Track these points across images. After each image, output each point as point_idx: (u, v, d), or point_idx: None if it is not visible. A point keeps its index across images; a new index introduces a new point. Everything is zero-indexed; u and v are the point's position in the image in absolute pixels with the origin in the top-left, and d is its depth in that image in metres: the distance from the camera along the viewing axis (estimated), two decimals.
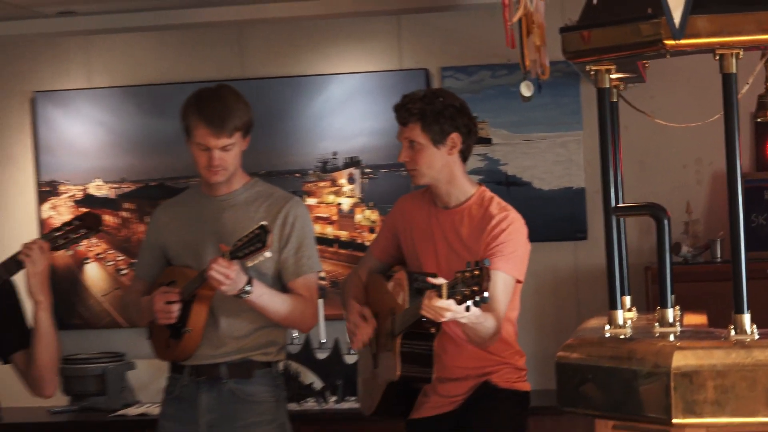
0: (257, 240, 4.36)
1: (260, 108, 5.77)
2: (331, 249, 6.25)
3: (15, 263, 4.58)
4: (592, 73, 4.33)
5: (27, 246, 4.56)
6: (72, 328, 6.53)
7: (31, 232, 6.55)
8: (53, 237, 4.71)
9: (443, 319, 4.01)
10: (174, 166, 6.36)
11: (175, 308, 4.51)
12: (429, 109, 4.58)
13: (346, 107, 6.42)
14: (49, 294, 4.63)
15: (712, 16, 3.95)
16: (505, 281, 4.48)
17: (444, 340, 4.43)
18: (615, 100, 4.48)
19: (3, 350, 4.78)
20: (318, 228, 6.17)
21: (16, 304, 4.76)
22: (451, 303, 3.92)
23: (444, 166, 4.65)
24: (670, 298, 4.13)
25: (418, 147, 4.58)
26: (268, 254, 4.38)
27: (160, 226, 4.85)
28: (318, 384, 6.11)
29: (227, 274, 4.30)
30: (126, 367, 6.39)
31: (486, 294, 3.89)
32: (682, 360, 3.79)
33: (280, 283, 4.68)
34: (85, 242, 6.00)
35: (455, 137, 4.60)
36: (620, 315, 4.21)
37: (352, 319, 4.66)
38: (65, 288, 6.57)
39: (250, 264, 4.42)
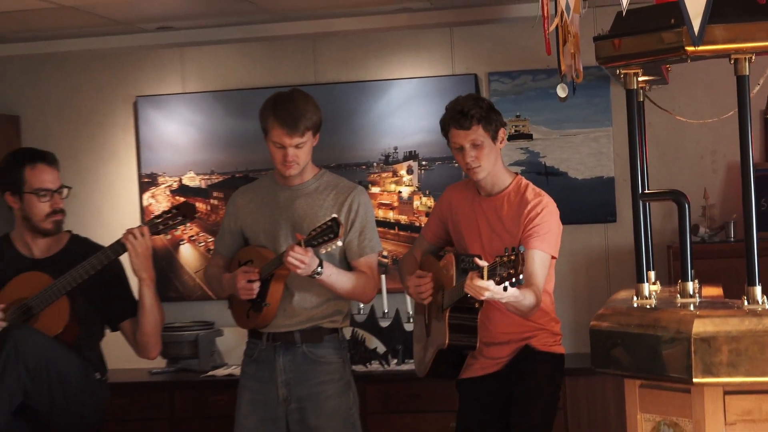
0: (330, 231, 4.40)
1: (331, 109, 5.80)
2: (392, 231, 6.25)
3: (120, 246, 4.66)
4: (622, 76, 4.31)
5: (130, 231, 4.63)
6: (169, 300, 6.55)
7: (134, 218, 6.64)
8: (154, 223, 4.79)
9: (483, 298, 4.03)
10: (256, 160, 6.39)
11: (256, 286, 4.56)
12: (484, 112, 4.59)
13: (405, 108, 6.42)
14: (151, 271, 4.71)
15: (727, 25, 3.93)
16: (542, 258, 4.50)
17: (489, 309, 4.44)
18: (641, 99, 4.46)
19: (112, 320, 4.88)
20: (381, 213, 6.19)
21: (122, 280, 4.84)
22: (490, 284, 3.94)
23: (497, 159, 4.67)
24: (690, 272, 4.11)
25: (482, 146, 4.59)
26: (339, 243, 4.44)
27: (237, 208, 4.88)
28: (381, 348, 6.12)
29: (302, 260, 4.35)
30: (215, 334, 6.43)
31: (521, 276, 3.93)
32: (701, 327, 3.77)
33: (345, 261, 4.71)
34: (181, 228, 6.06)
35: (503, 132, 4.63)
36: (646, 288, 4.20)
37: (411, 283, 4.68)
38: (163, 266, 6.61)
39: (323, 252, 4.46)
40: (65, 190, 4.87)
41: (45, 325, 4.66)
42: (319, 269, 4.43)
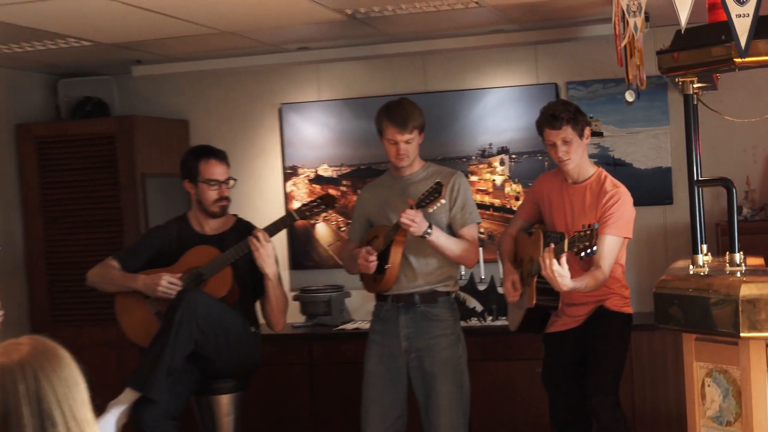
0: (435, 192, 4.47)
1: (437, 113, 5.83)
2: (487, 212, 6.25)
3: (246, 246, 4.74)
4: (680, 83, 4.28)
5: (254, 234, 4.71)
6: (307, 268, 6.67)
7: (279, 203, 6.75)
8: (301, 210, 4.90)
9: (556, 284, 4.16)
10: (376, 154, 6.40)
11: (372, 259, 4.66)
12: (572, 114, 4.60)
13: (498, 111, 6.40)
14: (273, 268, 4.76)
15: None
16: (610, 242, 4.53)
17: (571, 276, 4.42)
18: (695, 103, 4.41)
19: (258, 290, 4.92)
20: (478, 197, 6.18)
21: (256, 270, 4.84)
22: (557, 266, 4.07)
23: (583, 153, 4.67)
24: (737, 245, 4.07)
25: (571, 142, 4.59)
26: (443, 201, 4.52)
27: (363, 201, 4.97)
28: (479, 307, 6.13)
29: (414, 219, 4.42)
30: (344, 295, 6.47)
31: (595, 248, 4.03)
32: (747, 290, 3.74)
33: (452, 233, 4.75)
34: (324, 215, 6.09)
35: (588, 130, 4.65)
36: (700, 258, 4.17)
37: (506, 284, 4.73)
38: (302, 240, 6.69)
39: (430, 210, 4.53)
40: (231, 182, 4.96)
41: (212, 288, 4.75)
42: (429, 230, 4.51)
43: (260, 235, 4.69)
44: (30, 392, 1.94)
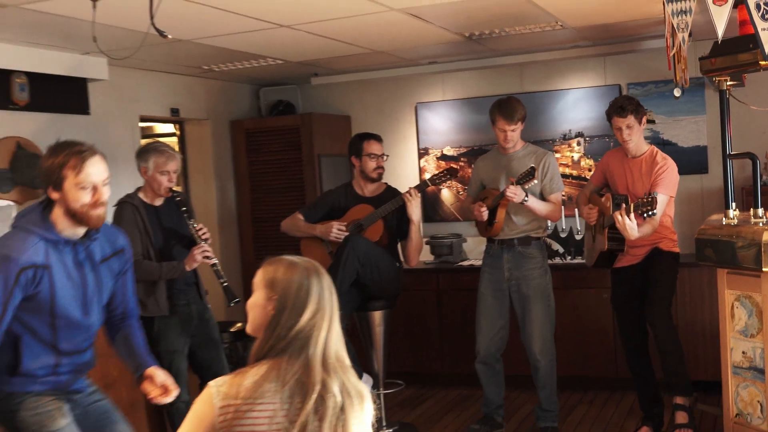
0: (529, 174, 4.47)
1: (531, 107, 5.73)
2: (567, 180, 6.17)
3: (397, 202, 4.76)
4: (717, 82, 4.18)
5: (407, 192, 4.72)
6: (435, 221, 6.68)
7: (414, 174, 6.76)
8: (432, 178, 4.90)
9: (626, 229, 4.11)
10: (484, 139, 6.39)
11: (484, 210, 4.65)
12: (635, 106, 4.55)
13: (576, 105, 6.28)
14: (418, 216, 4.81)
15: None
16: (661, 199, 4.42)
17: None
18: (728, 96, 4.28)
19: (401, 236, 4.92)
20: (561, 169, 6.09)
21: (403, 217, 4.84)
22: (628, 221, 4.05)
23: (640, 135, 4.59)
24: (759, 202, 3.96)
25: (632, 127, 4.56)
26: (535, 182, 4.48)
27: (479, 168, 4.96)
28: (561, 249, 6.05)
29: (515, 192, 4.44)
30: (462, 240, 6.46)
31: (654, 212, 3.99)
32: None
33: (543, 197, 4.70)
34: (448, 183, 6.14)
35: (645, 118, 4.61)
36: (731, 212, 4.09)
37: (585, 211, 4.65)
38: (432, 200, 6.68)
39: (526, 186, 4.49)
40: (385, 156, 4.98)
41: (369, 234, 4.80)
42: (526, 198, 4.50)
43: (412, 191, 4.73)
44: (321, 284, 2.21)
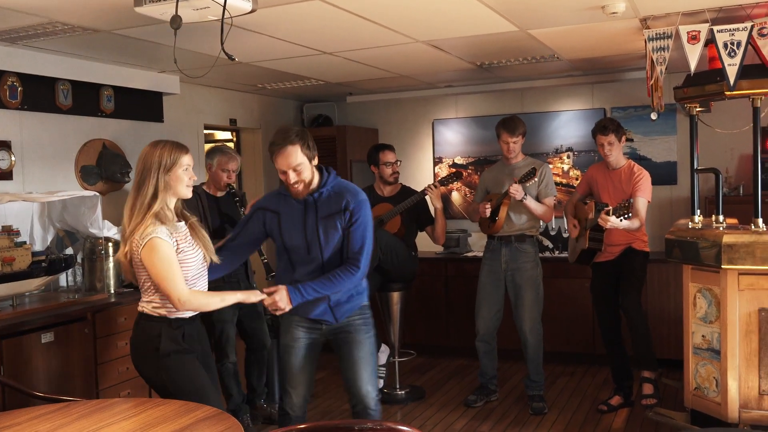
0: (530, 174, 4.46)
1: (530, 126, 5.73)
2: (558, 187, 6.13)
3: (423, 193, 4.76)
4: (687, 108, 4.14)
5: (429, 185, 4.74)
6: (446, 218, 6.61)
7: (429, 178, 6.73)
8: (443, 179, 4.87)
9: (607, 226, 4.01)
10: (490, 150, 6.37)
11: (488, 209, 4.59)
12: (616, 125, 4.52)
13: (566, 125, 6.24)
14: (440, 203, 4.79)
15: (750, 80, 3.72)
16: (642, 202, 4.38)
17: (610, 230, 4.33)
18: (696, 120, 4.25)
19: (422, 226, 4.95)
20: (554, 178, 6.04)
21: (426, 209, 4.94)
22: (614, 218, 3.92)
23: (620, 151, 4.56)
24: (720, 210, 3.92)
25: (613, 144, 4.53)
26: (535, 180, 4.51)
27: (485, 178, 4.96)
28: (551, 245, 6.03)
29: (517, 190, 4.40)
30: (467, 235, 6.44)
31: (630, 215, 3.99)
32: (727, 238, 3.61)
33: (538, 200, 4.67)
34: (456, 184, 6.13)
35: (624, 137, 4.56)
36: (696, 218, 4.04)
37: (569, 226, 4.66)
38: (443, 200, 6.63)
39: (528, 185, 4.49)
40: (399, 162, 4.98)
41: (389, 228, 4.82)
42: (525, 196, 4.46)
43: (433, 184, 4.74)
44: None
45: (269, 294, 2.97)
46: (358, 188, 3.17)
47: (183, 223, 2.89)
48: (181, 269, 2.74)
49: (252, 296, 2.97)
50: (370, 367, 3.16)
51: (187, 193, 2.86)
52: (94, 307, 3.92)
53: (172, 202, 2.84)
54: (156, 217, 2.75)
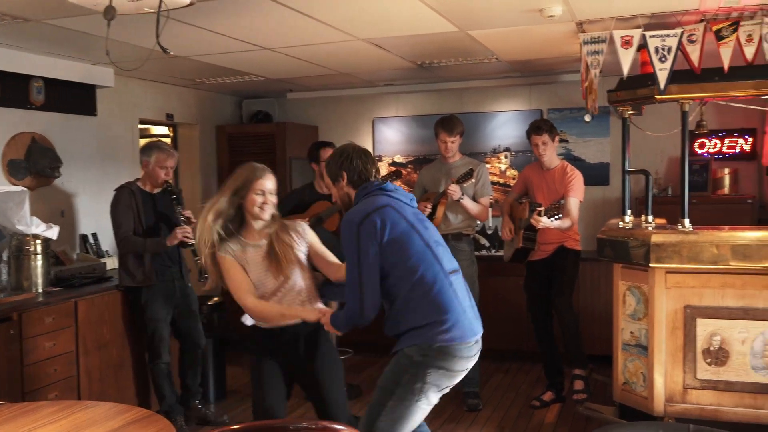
0: (468, 175, 4.47)
1: (469, 126, 5.78)
2: (495, 187, 6.21)
3: None
4: (620, 111, 4.22)
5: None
6: None
7: None
8: (383, 177, 4.80)
9: (539, 226, 4.06)
10: (429, 149, 6.40)
11: (428, 210, 4.58)
12: (549, 126, 4.57)
13: (504, 125, 6.32)
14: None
15: (679, 85, 3.82)
16: (575, 201, 4.46)
17: (544, 229, 4.38)
18: (628, 123, 4.35)
19: None
20: (491, 178, 6.11)
21: None
22: (545, 219, 3.98)
23: (553, 151, 4.62)
24: (650, 210, 4.01)
25: (547, 144, 4.58)
26: (473, 181, 4.52)
27: (422, 176, 4.97)
28: (487, 243, 6.10)
29: (455, 189, 4.41)
30: None
31: (561, 215, 4.02)
32: (655, 238, 3.70)
33: (475, 200, 4.70)
34: (396, 182, 6.08)
35: (557, 137, 4.63)
36: (627, 218, 4.12)
37: (504, 230, 4.69)
38: None
39: (465, 185, 4.49)
40: None
41: (328, 225, 4.77)
42: (462, 196, 4.47)
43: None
44: None
45: (322, 314, 2.80)
46: (349, 214, 2.74)
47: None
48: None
49: (310, 315, 2.83)
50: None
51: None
52: (21, 306, 3.77)
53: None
54: None
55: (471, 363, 2.65)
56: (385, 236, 2.55)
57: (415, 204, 2.83)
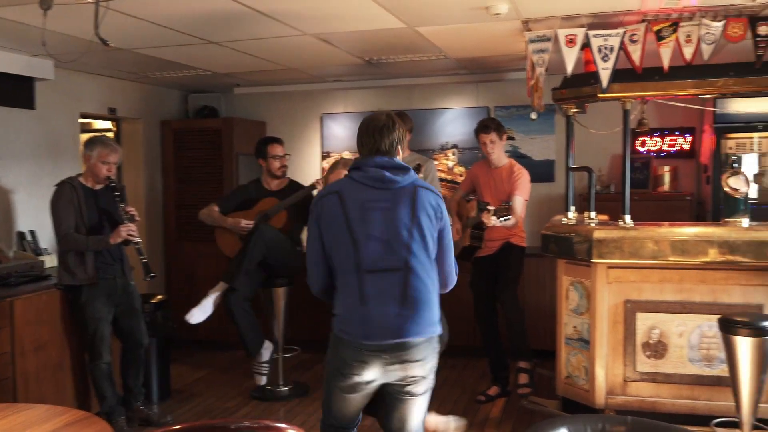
0: (416, 170, 4.40)
1: (417, 122, 5.79)
2: (443, 183, 6.24)
3: (312, 187, 4.73)
4: (564, 108, 4.26)
5: (317, 181, 4.71)
6: None
7: (317, 172, 6.67)
8: (324, 177, 4.83)
9: (489, 225, 4.07)
10: None
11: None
12: (497, 124, 4.60)
13: (452, 122, 6.36)
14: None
15: (621, 83, 3.88)
16: (520, 200, 4.50)
17: (491, 227, 4.42)
18: (572, 121, 4.41)
19: (305, 223, 4.91)
20: (438, 174, 6.15)
21: (307, 207, 4.85)
22: (494, 219, 4.01)
23: (501, 149, 4.66)
24: (593, 206, 4.07)
25: (495, 142, 4.61)
26: (420, 176, 4.46)
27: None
28: None
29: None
30: None
31: (510, 215, 3.98)
32: (597, 234, 3.75)
33: None
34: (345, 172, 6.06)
35: (505, 135, 4.66)
36: (570, 214, 4.18)
37: (452, 228, 4.74)
38: None
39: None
40: (287, 156, 4.92)
41: (274, 223, 4.75)
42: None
43: (319, 181, 4.68)
44: None
45: None
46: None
47: None
48: None
49: None
50: None
51: None
52: None
53: None
54: None
55: (370, 360, 2.63)
56: (321, 223, 2.64)
57: (398, 186, 2.68)
